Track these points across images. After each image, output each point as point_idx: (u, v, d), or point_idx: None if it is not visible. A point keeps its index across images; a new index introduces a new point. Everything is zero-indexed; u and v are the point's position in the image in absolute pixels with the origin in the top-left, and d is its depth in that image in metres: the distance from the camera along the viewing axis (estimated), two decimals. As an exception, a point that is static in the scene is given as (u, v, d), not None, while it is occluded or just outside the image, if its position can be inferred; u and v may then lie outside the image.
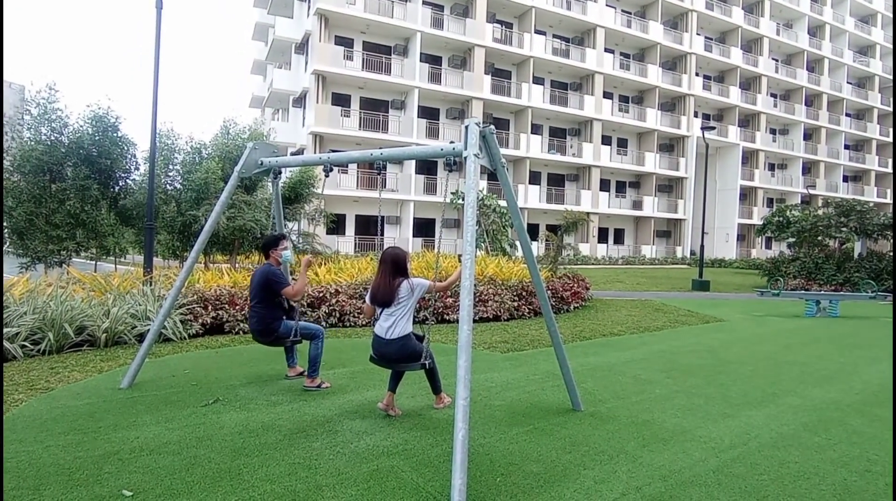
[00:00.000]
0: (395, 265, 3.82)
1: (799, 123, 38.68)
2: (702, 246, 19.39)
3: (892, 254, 17.75)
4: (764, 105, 36.75)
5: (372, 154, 4.05)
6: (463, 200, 16.72)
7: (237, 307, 7.14)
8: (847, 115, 41.69)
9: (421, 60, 25.40)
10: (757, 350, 7.46)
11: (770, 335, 8.89)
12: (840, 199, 26.18)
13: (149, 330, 4.95)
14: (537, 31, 28.69)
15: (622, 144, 33.14)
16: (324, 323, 7.53)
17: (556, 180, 30.93)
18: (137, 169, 11.32)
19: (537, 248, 24.44)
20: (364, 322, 7.89)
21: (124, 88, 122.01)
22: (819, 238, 19.31)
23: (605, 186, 31.66)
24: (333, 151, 23.35)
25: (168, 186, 11.82)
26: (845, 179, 41.79)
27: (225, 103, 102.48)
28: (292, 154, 25.43)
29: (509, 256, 14.00)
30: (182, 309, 6.62)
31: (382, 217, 25.18)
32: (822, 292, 14.39)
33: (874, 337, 8.99)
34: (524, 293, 9.54)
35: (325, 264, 10.14)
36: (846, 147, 41.79)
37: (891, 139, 42.80)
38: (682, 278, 20.07)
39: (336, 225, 22.09)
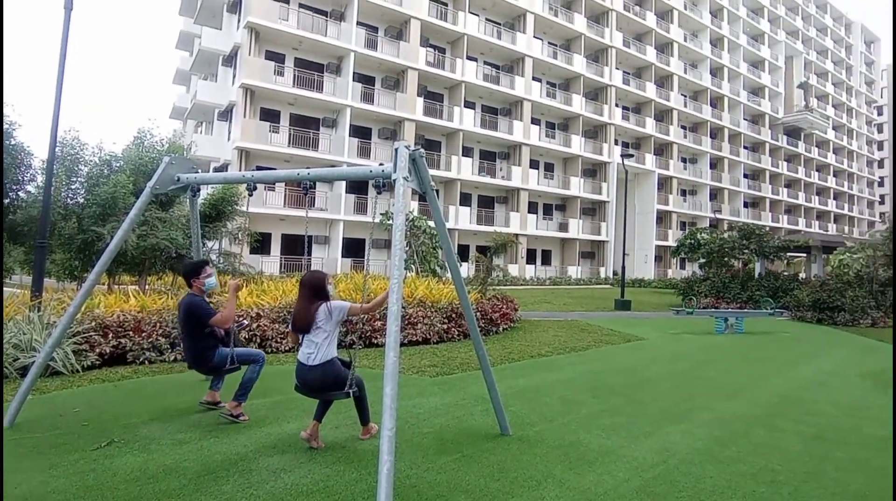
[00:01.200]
0: (312, 289, 3.72)
1: (706, 153, 42.16)
2: (623, 267, 20.39)
3: (807, 276, 19.51)
4: (676, 136, 39.75)
5: (299, 174, 3.89)
6: (391, 219, 16.71)
7: (143, 334, 6.54)
8: (745, 147, 46.00)
9: (354, 80, 25.30)
10: (674, 368, 7.83)
11: (685, 353, 9.39)
12: (742, 223, 28.61)
13: (33, 362, 4.40)
14: (469, 58, 29.49)
15: (549, 168, 34.52)
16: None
17: (487, 202, 31.61)
18: (33, 180, 10.26)
19: (467, 269, 24.69)
20: (287, 348, 7.51)
21: (25, 93, 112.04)
22: (725, 259, 20.89)
23: (533, 208, 32.73)
24: (260, 167, 22.51)
25: (69, 199, 10.80)
26: (745, 205, 45.85)
27: (142, 113, 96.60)
28: (215, 169, 24.28)
29: (439, 277, 14.00)
30: (76, 338, 5.96)
31: (309, 237, 24.52)
32: (730, 309, 15.48)
33: (773, 351, 9.74)
34: (454, 316, 9.52)
35: (247, 285, 9.62)
36: (745, 176, 45.98)
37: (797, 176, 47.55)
38: (605, 298, 20.95)
39: (261, 244, 21.16)
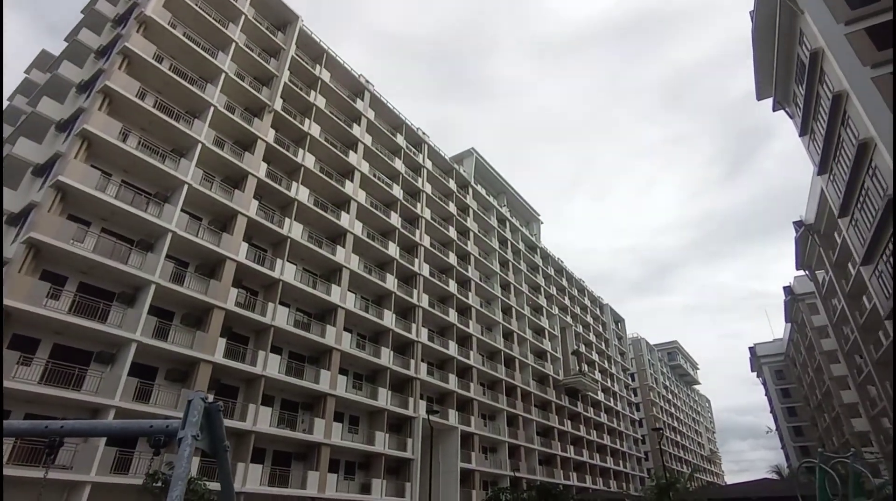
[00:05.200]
0: None
1: (503, 411, 45.34)
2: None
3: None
4: (476, 393, 42.62)
5: (47, 427, 3.03)
6: (163, 484, 13.36)
7: None
8: (535, 406, 50.98)
9: (149, 313, 23.02)
10: None
11: None
12: (539, 482, 29.65)
13: None
14: (282, 303, 29.67)
15: (354, 421, 33.17)
16: None
17: (283, 459, 28.11)
18: None
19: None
20: None
21: None
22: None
23: (334, 466, 29.93)
24: (-14, 409, 17.26)
25: None
26: (540, 462, 48.39)
27: None
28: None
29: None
30: None
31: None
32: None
33: None
34: None
35: None
36: (538, 433, 49.74)
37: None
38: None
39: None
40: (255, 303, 28.34)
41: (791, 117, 32.80)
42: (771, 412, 75.98)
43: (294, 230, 31.49)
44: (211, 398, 3.10)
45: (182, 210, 25.73)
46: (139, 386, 21.80)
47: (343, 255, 34.43)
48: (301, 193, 32.84)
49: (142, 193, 25.06)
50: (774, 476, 41.08)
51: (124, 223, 24.19)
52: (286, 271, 30.02)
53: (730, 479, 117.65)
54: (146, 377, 22.88)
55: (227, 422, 24.14)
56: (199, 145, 27.23)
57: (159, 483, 13.14)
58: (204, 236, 26.60)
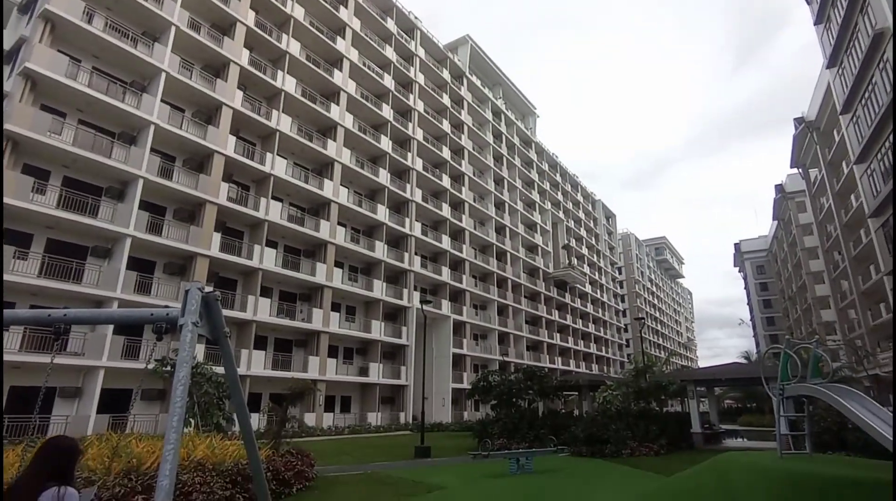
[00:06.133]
0: (52, 462, 2.74)
1: (493, 301, 47.43)
2: (422, 412, 20.48)
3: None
4: (468, 284, 44.22)
5: (50, 315, 3.15)
6: (171, 368, 14.29)
7: None
8: (525, 296, 53.25)
9: (140, 208, 22.94)
10: (475, 518, 7.71)
11: (484, 499, 9.41)
12: (526, 365, 31.84)
13: None
14: (274, 198, 29.59)
15: (351, 311, 34.68)
16: None
17: (284, 346, 29.77)
18: None
19: (258, 420, 22.14)
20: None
21: None
22: (514, 400, 22.58)
23: (333, 352, 31.82)
24: (-8, 299, 17.86)
25: None
26: (528, 348, 51.65)
27: None
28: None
29: (224, 432, 12.17)
30: None
31: (51, 389, 19.52)
32: (520, 449, 16.38)
33: (557, 490, 10.37)
34: (240, 479, 8.17)
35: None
36: (527, 322, 52.51)
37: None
38: (405, 445, 20.43)
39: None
40: (247, 198, 28.22)
41: (809, 2, 30.86)
42: (748, 303, 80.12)
43: (283, 123, 30.46)
44: (210, 289, 3.19)
45: (163, 101, 24.61)
46: (139, 279, 22.39)
47: (334, 148, 33.70)
48: (287, 83, 31.29)
49: (117, 81, 23.76)
50: (743, 361, 44.27)
51: (102, 114, 23.23)
52: (277, 166, 29.55)
53: (703, 363, 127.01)
54: (145, 270, 23.41)
55: (228, 313, 25.21)
56: (173, 28, 25.34)
57: (168, 368, 13.99)
58: (188, 129, 25.72)
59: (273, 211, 28.83)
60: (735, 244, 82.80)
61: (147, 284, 22.95)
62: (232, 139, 27.45)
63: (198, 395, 12.87)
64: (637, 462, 14.93)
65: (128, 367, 20.77)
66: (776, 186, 56.95)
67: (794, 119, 42.97)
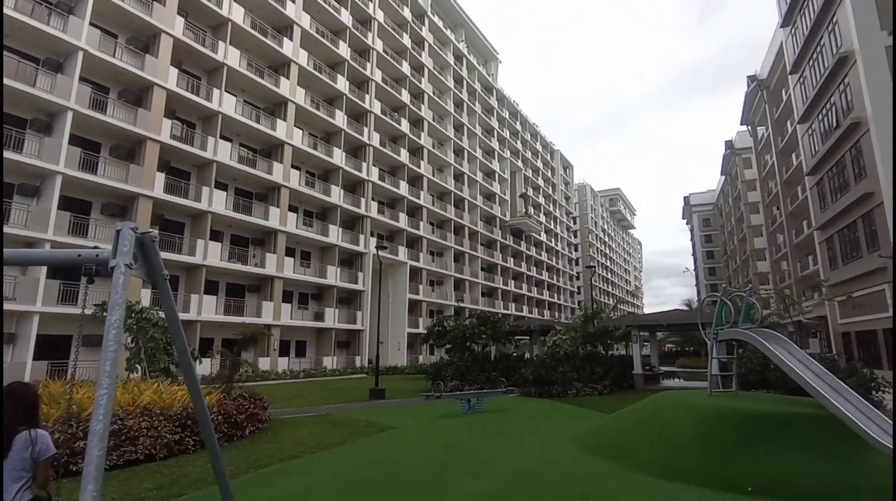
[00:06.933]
0: (19, 407, 2.87)
1: (450, 248, 47.76)
2: (377, 355, 20.82)
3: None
4: (425, 231, 44.19)
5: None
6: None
7: None
8: (481, 244, 53.87)
9: (71, 143, 21.28)
10: (425, 454, 8.03)
11: (435, 437, 9.78)
12: (480, 311, 32.61)
13: None
14: (223, 137, 28.09)
15: (306, 256, 34.17)
16: None
17: (237, 291, 29.20)
18: None
19: (210, 365, 21.93)
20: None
21: None
22: (468, 344, 23.23)
23: (287, 297, 31.51)
24: None
25: None
26: (483, 294, 52.80)
27: None
28: None
29: (173, 377, 12.00)
30: None
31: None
32: (472, 391, 17.02)
33: (507, 427, 10.91)
34: (189, 422, 8.14)
35: None
36: (482, 269, 53.39)
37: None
38: (360, 388, 20.86)
39: None
40: (193, 136, 26.67)
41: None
42: (693, 254, 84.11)
43: (230, 56, 28.48)
44: (153, 231, 3.00)
45: (92, 24, 22.44)
46: (73, 220, 21.07)
47: (287, 87, 32.00)
48: (235, 11, 29.07)
49: (42, 2, 21.36)
50: (685, 308, 46.95)
51: (25, 39, 20.99)
52: (225, 103, 27.88)
53: (648, 310, 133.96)
54: (80, 211, 22.03)
55: (176, 256, 24.35)
56: (103, -58, 22.76)
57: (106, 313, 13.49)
58: (123, 58, 23.67)
59: (222, 151, 27.42)
60: (685, 198, 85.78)
61: (83, 225, 21.70)
62: (174, 71, 25.52)
63: (143, 341, 12.54)
64: (581, 401, 15.83)
65: (65, 312, 19.89)
66: (726, 142, 58.65)
67: (748, 77, 43.78)
